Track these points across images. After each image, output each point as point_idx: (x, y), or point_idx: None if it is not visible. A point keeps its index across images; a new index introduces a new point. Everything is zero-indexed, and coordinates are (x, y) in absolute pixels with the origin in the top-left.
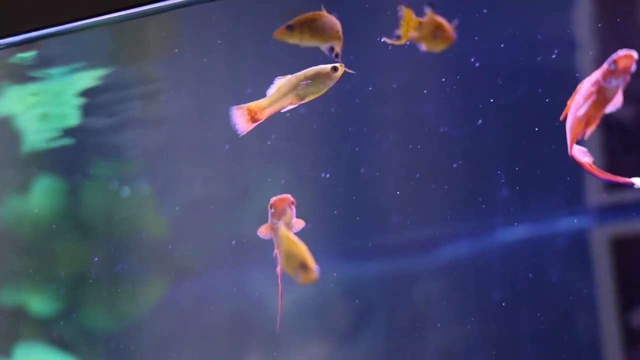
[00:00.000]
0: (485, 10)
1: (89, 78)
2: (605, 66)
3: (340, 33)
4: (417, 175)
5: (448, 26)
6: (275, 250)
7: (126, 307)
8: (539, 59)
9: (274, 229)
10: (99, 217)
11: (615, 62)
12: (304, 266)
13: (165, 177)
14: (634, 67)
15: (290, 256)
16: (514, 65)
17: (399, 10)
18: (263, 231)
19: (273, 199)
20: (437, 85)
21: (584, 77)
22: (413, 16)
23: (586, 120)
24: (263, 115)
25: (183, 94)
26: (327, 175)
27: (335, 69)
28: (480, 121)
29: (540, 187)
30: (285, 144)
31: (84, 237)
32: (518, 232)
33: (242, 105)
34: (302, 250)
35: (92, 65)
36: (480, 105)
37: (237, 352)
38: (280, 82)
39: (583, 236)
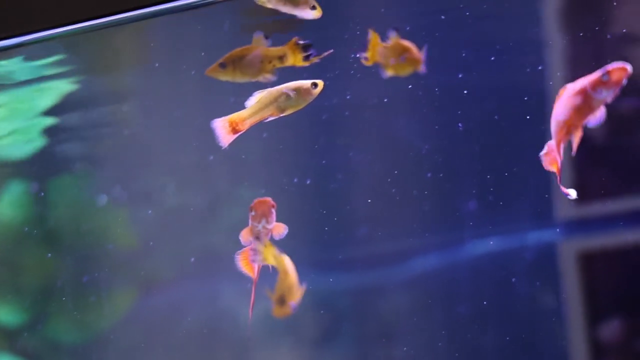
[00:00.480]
0: (455, 28)
1: (61, 86)
2: (597, 75)
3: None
4: (387, 188)
5: (414, 49)
6: (255, 255)
7: (93, 318)
8: (509, 74)
9: (255, 233)
10: (68, 228)
11: (609, 73)
12: (282, 300)
13: (137, 186)
14: (625, 81)
15: (277, 285)
16: (484, 80)
17: (368, 34)
18: (244, 235)
19: (254, 202)
20: (409, 98)
21: (554, 93)
22: (379, 41)
23: (567, 128)
24: (244, 126)
25: (156, 104)
26: (298, 188)
27: (315, 85)
28: (450, 135)
29: (509, 201)
30: (255, 156)
31: (52, 247)
32: (487, 245)
33: (223, 117)
34: (288, 283)
35: (65, 73)
36: (451, 119)
37: None
38: (261, 94)
39: (551, 250)
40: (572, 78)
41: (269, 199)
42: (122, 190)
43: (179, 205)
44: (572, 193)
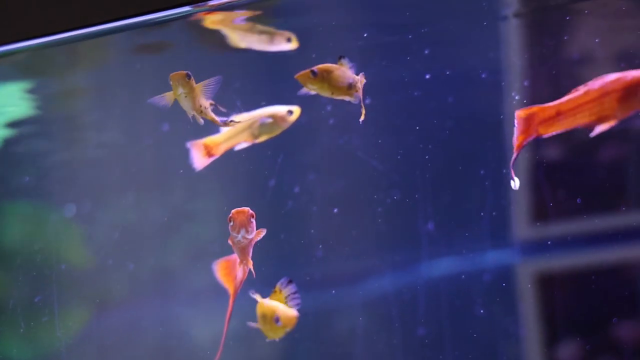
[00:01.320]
0: (413, 41)
1: (14, 102)
2: None
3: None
4: (342, 209)
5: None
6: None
7: (45, 338)
8: (466, 94)
9: (234, 243)
10: (19, 246)
11: None
12: (264, 318)
13: (90, 206)
14: None
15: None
16: (441, 99)
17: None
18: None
19: (232, 212)
20: (365, 119)
21: (511, 114)
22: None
23: (600, 115)
24: (219, 151)
25: (110, 123)
26: (256, 208)
27: (290, 112)
28: (408, 156)
29: (466, 223)
30: (213, 176)
31: (3, 266)
32: (443, 267)
33: (198, 141)
34: (274, 306)
35: (18, 89)
36: (408, 139)
37: None
38: (236, 119)
39: (508, 271)
40: (531, 101)
41: (247, 208)
42: (75, 210)
43: (133, 225)
44: (516, 183)
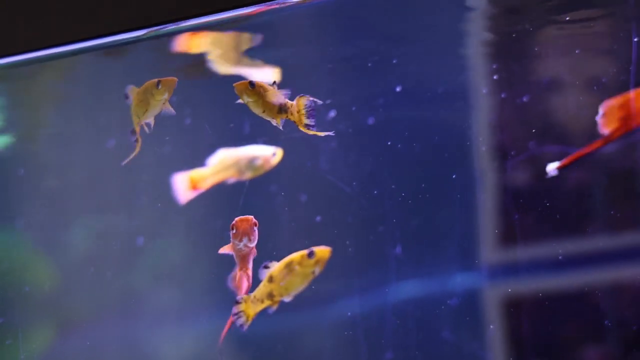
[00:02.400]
0: (381, 64)
1: None
2: None
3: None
4: (313, 230)
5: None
6: (237, 272)
7: None
8: (435, 118)
9: (235, 251)
10: None
11: None
12: (311, 253)
13: (55, 226)
14: None
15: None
16: (409, 119)
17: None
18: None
19: (235, 220)
20: (332, 138)
21: (480, 132)
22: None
23: None
24: (204, 185)
25: (76, 143)
26: (224, 229)
27: (274, 154)
28: (374, 176)
29: (434, 246)
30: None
31: None
32: (411, 290)
33: (184, 173)
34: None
35: None
36: (375, 160)
37: None
38: (223, 155)
39: (475, 296)
40: (499, 127)
41: (250, 217)
42: (38, 231)
43: (98, 246)
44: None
